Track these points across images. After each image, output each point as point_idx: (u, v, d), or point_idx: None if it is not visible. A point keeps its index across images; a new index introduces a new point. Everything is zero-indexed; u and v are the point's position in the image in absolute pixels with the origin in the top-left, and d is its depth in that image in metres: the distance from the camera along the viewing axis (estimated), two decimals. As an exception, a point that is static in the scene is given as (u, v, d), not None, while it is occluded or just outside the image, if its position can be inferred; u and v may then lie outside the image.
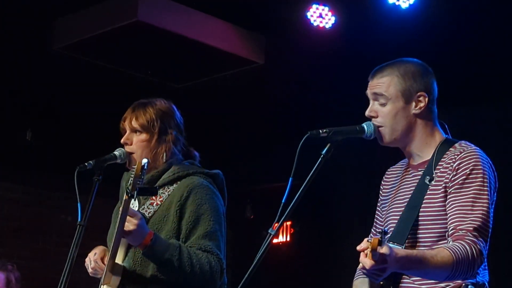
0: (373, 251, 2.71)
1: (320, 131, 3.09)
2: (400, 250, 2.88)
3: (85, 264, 3.78)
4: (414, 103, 3.23)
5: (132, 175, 3.47)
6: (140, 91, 6.90)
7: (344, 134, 3.14)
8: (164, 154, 3.81)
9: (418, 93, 3.23)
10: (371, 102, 3.29)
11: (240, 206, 8.78)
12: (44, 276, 7.80)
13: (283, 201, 2.98)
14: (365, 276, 3.40)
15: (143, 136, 3.80)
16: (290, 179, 3.00)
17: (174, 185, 3.78)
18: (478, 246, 3.00)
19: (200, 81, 7.26)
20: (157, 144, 3.81)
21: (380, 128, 3.25)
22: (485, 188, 3.09)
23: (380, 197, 3.48)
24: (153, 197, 3.77)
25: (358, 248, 2.81)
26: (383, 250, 2.74)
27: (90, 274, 3.80)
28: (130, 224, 3.50)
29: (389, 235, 2.92)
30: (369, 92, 3.30)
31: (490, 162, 3.19)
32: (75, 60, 6.72)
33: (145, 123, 3.79)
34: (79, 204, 3.53)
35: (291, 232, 8.79)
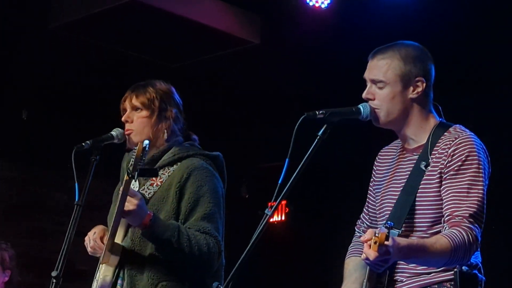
0: (380, 245, 2.74)
1: (317, 112, 3.10)
2: (402, 240, 2.90)
3: (85, 243, 3.81)
4: (411, 88, 3.24)
5: (133, 156, 3.49)
6: (136, 71, 6.95)
7: (340, 116, 3.15)
8: (165, 132, 3.83)
9: (417, 78, 3.23)
10: (368, 84, 3.29)
11: (235, 186, 8.81)
12: (40, 255, 7.83)
13: (279, 182, 2.99)
14: (357, 254, 3.45)
15: (144, 113, 3.82)
16: (287, 160, 3.01)
17: (174, 166, 3.80)
18: (474, 232, 3.03)
19: (195, 60, 7.26)
20: (157, 121, 3.83)
21: (376, 110, 3.26)
22: (480, 174, 3.12)
23: (373, 177, 3.49)
24: (153, 178, 3.79)
25: (362, 239, 2.85)
26: (387, 241, 2.77)
27: (89, 253, 3.82)
28: (130, 204, 3.52)
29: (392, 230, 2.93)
30: (367, 74, 3.30)
31: (484, 147, 3.21)
32: (72, 39, 6.71)
33: (145, 101, 3.82)
34: (76, 184, 3.54)
35: (286, 211, 8.82)
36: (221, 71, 7.33)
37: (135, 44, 6.95)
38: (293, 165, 3.03)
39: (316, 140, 3.08)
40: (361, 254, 3.36)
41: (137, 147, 3.49)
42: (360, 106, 3.22)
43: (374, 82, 3.27)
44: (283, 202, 8.70)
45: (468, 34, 6.13)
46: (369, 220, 3.50)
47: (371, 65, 3.30)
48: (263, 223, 2.98)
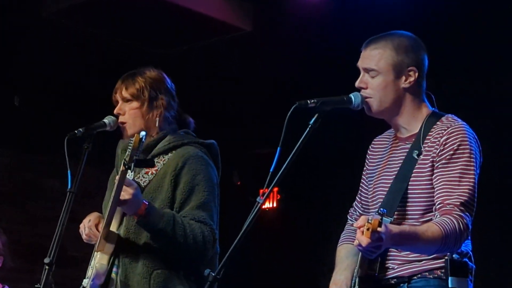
0: (374, 231, 2.76)
1: (308, 101, 3.12)
2: (394, 227, 2.93)
3: (79, 231, 3.83)
4: (404, 77, 3.27)
5: (130, 147, 3.50)
6: (128, 58, 6.95)
7: (332, 105, 3.18)
8: (157, 120, 3.84)
9: (409, 68, 3.27)
10: (361, 72, 3.32)
11: (227, 173, 8.82)
12: (33, 241, 7.84)
13: (271, 170, 3.02)
14: (349, 242, 3.48)
15: (134, 104, 3.84)
16: (278, 148, 3.03)
17: (169, 155, 3.81)
18: (465, 220, 3.07)
19: (187, 47, 7.25)
20: (148, 110, 3.84)
21: (368, 99, 3.29)
22: (471, 164, 3.15)
23: (366, 166, 3.53)
24: (148, 168, 3.80)
25: (355, 225, 2.88)
26: (380, 228, 2.79)
27: (84, 240, 3.85)
28: (126, 194, 3.53)
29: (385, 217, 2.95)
30: (360, 63, 3.33)
31: (476, 137, 3.25)
32: (65, 26, 6.69)
33: (135, 92, 3.83)
34: (69, 172, 3.56)
35: (278, 198, 8.84)
36: (213, 58, 7.32)
37: (127, 30, 6.92)
38: (285, 153, 3.05)
39: (308, 128, 3.10)
40: (354, 241, 3.41)
41: (133, 138, 3.50)
42: (351, 95, 3.24)
43: (366, 71, 3.30)
44: (275, 189, 8.72)
45: (461, 26, 6.15)
46: (362, 208, 3.53)
47: (364, 55, 3.33)
48: (255, 211, 3.00)
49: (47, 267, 3.39)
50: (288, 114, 3.07)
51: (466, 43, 6.23)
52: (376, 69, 3.27)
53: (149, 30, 6.92)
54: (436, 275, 3.16)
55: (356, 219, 3.55)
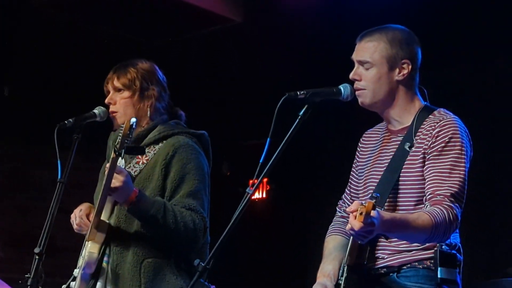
0: (367, 214, 2.78)
1: (298, 93, 3.15)
2: (386, 213, 2.96)
3: (71, 221, 3.84)
4: (397, 70, 3.32)
5: (120, 134, 3.51)
6: (119, 49, 6.94)
7: (321, 96, 3.21)
8: (148, 110, 3.86)
9: (403, 61, 3.31)
10: (356, 65, 3.36)
11: (217, 163, 8.82)
12: (22, 231, 7.83)
13: (260, 161, 3.03)
14: (337, 233, 3.50)
15: (125, 93, 3.85)
16: (268, 139, 3.06)
17: (160, 144, 3.82)
18: (455, 211, 3.11)
19: (177, 38, 7.25)
20: (139, 100, 3.86)
21: (362, 91, 3.33)
22: (462, 156, 3.19)
23: (357, 158, 3.56)
24: (139, 156, 3.82)
25: (348, 209, 2.91)
26: (372, 213, 2.82)
27: (75, 230, 3.86)
28: (116, 181, 3.54)
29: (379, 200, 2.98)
30: (354, 56, 3.38)
31: (467, 131, 3.29)
32: (55, 17, 6.68)
33: (126, 81, 3.85)
34: (59, 162, 3.57)
35: (267, 189, 8.85)
36: (203, 49, 7.32)
37: (117, 21, 6.92)
38: (275, 144, 3.07)
39: (297, 120, 3.13)
40: (342, 234, 3.45)
41: (124, 125, 3.52)
42: (340, 86, 3.27)
43: (361, 63, 3.34)
44: (265, 180, 8.73)
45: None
46: (351, 201, 3.56)
47: (358, 47, 3.38)
48: (244, 202, 3.02)
49: (37, 257, 3.40)
50: (278, 105, 3.09)
51: (453, 37, 6.25)
52: (371, 61, 3.31)
53: (140, 21, 6.91)
54: (425, 265, 3.19)
55: (345, 211, 3.58)
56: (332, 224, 3.63)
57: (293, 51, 7.02)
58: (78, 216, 3.81)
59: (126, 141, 3.52)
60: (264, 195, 8.89)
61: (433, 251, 3.17)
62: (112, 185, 3.55)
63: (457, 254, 3.21)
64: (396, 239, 3.21)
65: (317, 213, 8.19)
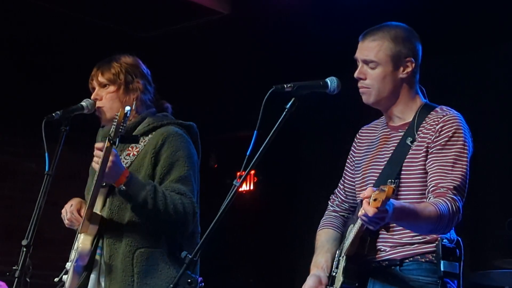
0: (387, 198, 2.78)
1: (285, 86, 3.16)
2: (396, 201, 2.97)
3: (61, 216, 3.85)
4: (402, 68, 3.35)
5: (115, 123, 3.53)
6: (105, 40, 6.93)
7: (308, 89, 3.21)
8: (134, 103, 3.87)
9: (406, 58, 3.35)
10: (360, 64, 3.39)
11: (204, 155, 8.82)
12: (9, 223, 7.82)
13: (247, 153, 3.05)
14: (329, 227, 3.55)
15: (111, 88, 3.88)
16: (255, 132, 3.07)
17: (149, 136, 3.85)
18: (457, 203, 3.16)
19: (164, 30, 7.25)
20: (124, 94, 3.88)
21: (367, 89, 3.37)
22: (465, 151, 3.25)
23: (352, 153, 3.60)
24: (130, 148, 3.83)
25: (362, 195, 2.91)
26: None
27: (66, 225, 3.87)
28: (102, 157, 3.57)
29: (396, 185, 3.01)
30: (358, 55, 3.40)
31: (468, 128, 3.33)
32: (41, 8, 6.67)
33: (111, 76, 3.88)
34: (46, 154, 3.57)
35: (255, 180, 8.87)
36: (190, 41, 7.32)
37: (104, 13, 6.91)
38: (262, 137, 3.08)
39: (284, 112, 3.14)
40: (334, 227, 3.54)
41: (118, 113, 3.53)
42: (327, 79, 3.28)
43: (366, 62, 3.37)
44: (252, 172, 8.75)
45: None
46: (344, 195, 3.62)
47: (362, 46, 3.40)
48: (232, 194, 3.03)
49: (24, 249, 3.41)
50: (265, 98, 3.10)
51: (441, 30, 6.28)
52: (376, 60, 3.34)
53: (126, 13, 6.90)
54: (428, 259, 3.24)
55: (337, 205, 3.66)
56: (324, 218, 3.67)
57: (280, 43, 7.03)
58: (69, 211, 3.82)
59: (120, 129, 3.53)
60: (251, 187, 8.91)
61: (434, 244, 3.22)
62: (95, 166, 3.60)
63: (457, 249, 3.25)
64: (397, 231, 3.25)
65: (304, 205, 8.22)
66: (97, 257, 3.73)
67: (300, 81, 3.19)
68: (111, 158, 3.57)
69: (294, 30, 6.78)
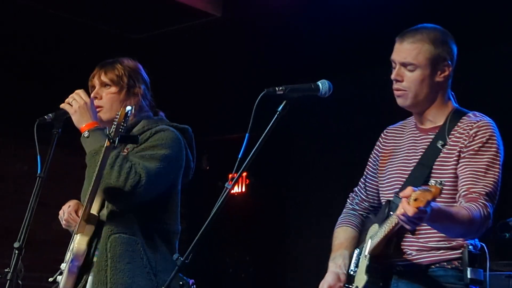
0: (434, 199, 2.78)
1: (277, 89, 3.16)
2: (433, 203, 2.92)
3: (59, 217, 3.86)
4: (439, 72, 3.34)
5: (115, 122, 3.52)
6: (97, 42, 6.94)
7: (300, 92, 3.21)
8: (133, 107, 3.87)
9: (444, 62, 3.34)
10: (397, 66, 3.37)
11: (196, 157, 8.82)
12: (1, 225, 7.80)
13: (239, 156, 3.05)
14: (348, 225, 3.58)
15: (113, 89, 3.87)
16: (247, 135, 3.08)
17: (142, 135, 3.84)
18: (488, 209, 3.15)
19: (157, 33, 7.26)
20: (126, 97, 3.88)
21: (403, 92, 3.36)
22: (497, 158, 3.25)
23: (377, 152, 3.60)
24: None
25: (401, 194, 2.90)
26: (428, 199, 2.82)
27: (63, 226, 3.88)
28: (80, 99, 3.67)
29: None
30: (396, 57, 3.37)
31: (500, 135, 3.33)
32: (36, 11, 6.67)
33: (114, 77, 3.87)
34: (38, 157, 3.57)
35: (247, 183, 8.88)
36: (182, 43, 7.33)
37: (97, 15, 6.92)
38: (254, 139, 3.09)
39: (276, 115, 3.15)
40: (352, 226, 3.55)
41: (119, 112, 3.53)
42: (318, 82, 3.27)
43: (404, 64, 3.34)
44: (244, 174, 8.74)
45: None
46: (365, 194, 3.62)
47: (400, 48, 3.37)
48: (223, 197, 3.04)
49: (16, 252, 3.40)
50: (257, 101, 3.11)
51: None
52: (415, 63, 3.32)
53: (120, 15, 6.91)
54: (454, 266, 3.24)
55: (357, 204, 3.66)
56: (342, 215, 3.68)
57: (272, 46, 7.05)
58: (67, 212, 3.83)
59: (120, 129, 3.53)
60: (243, 189, 8.91)
61: (460, 251, 3.23)
62: (71, 103, 3.67)
63: (482, 255, 3.26)
64: (423, 234, 3.24)
65: (295, 207, 8.23)
66: (95, 258, 3.73)
67: (291, 84, 3.20)
68: (88, 100, 3.67)
69: (285, 32, 6.79)
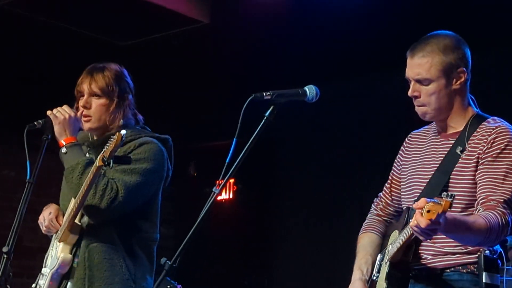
0: (443, 212, 2.77)
1: (264, 94, 3.17)
2: (448, 213, 2.91)
3: (39, 222, 3.86)
4: (455, 79, 3.31)
5: (109, 144, 3.50)
6: (86, 48, 6.94)
7: (287, 97, 3.22)
8: (121, 119, 3.88)
9: (458, 69, 3.31)
10: (412, 82, 3.34)
11: (184, 164, 8.84)
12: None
13: (227, 160, 3.07)
14: (372, 231, 3.58)
15: (103, 100, 3.85)
16: (234, 139, 3.09)
17: (126, 146, 3.84)
18: (507, 217, 3.14)
19: (144, 39, 7.27)
20: (116, 109, 3.87)
21: (423, 107, 3.34)
22: None
23: (400, 157, 3.58)
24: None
25: (415, 206, 2.89)
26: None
27: (43, 232, 3.88)
28: (66, 113, 3.71)
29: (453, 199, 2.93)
30: (409, 74, 3.34)
31: None
32: (20, 16, 6.67)
33: (104, 87, 3.85)
34: (28, 162, 3.58)
35: (234, 189, 8.88)
36: (170, 50, 7.34)
37: (83, 21, 6.92)
38: (242, 145, 3.11)
39: (263, 120, 3.16)
40: (376, 232, 3.55)
41: (115, 136, 3.50)
42: (306, 88, 3.28)
43: (418, 81, 3.32)
44: (231, 180, 8.75)
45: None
46: (390, 198, 3.61)
47: (412, 64, 3.35)
48: (211, 201, 3.05)
49: (5, 256, 3.41)
50: (244, 106, 3.11)
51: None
52: (428, 78, 3.29)
53: (106, 21, 6.91)
54: (469, 270, 3.22)
55: (381, 209, 3.65)
56: (366, 221, 3.66)
57: (259, 52, 7.07)
58: (48, 219, 3.83)
59: (115, 152, 3.52)
60: (231, 196, 8.92)
61: (476, 255, 3.21)
62: (57, 114, 3.71)
63: (499, 260, 3.24)
64: (439, 240, 3.22)
65: (283, 213, 8.25)
66: (74, 265, 3.74)
67: (279, 89, 3.21)
68: (72, 115, 3.72)
69: (273, 39, 6.82)
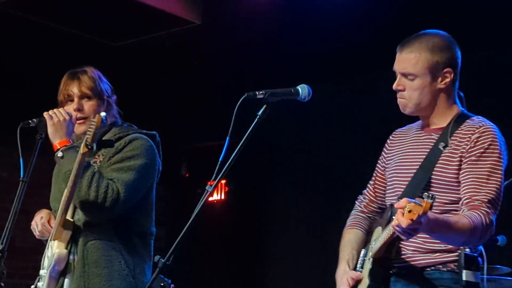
0: (424, 213, 2.80)
1: (257, 93, 3.20)
2: (430, 213, 2.93)
3: (31, 228, 3.89)
4: (440, 78, 3.35)
5: (91, 128, 3.54)
6: (77, 49, 6.94)
7: (279, 96, 3.24)
8: (110, 117, 3.91)
9: (445, 70, 3.34)
10: (398, 76, 3.39)
11: (176, 164, 8.84)
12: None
13: (220, 159, 3.08)
14: (356, 227, 3.60)
15: (94, 101, 3.91)
16: (227, 138, 3.11)
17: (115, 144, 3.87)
18: (491, 217, 3.16)
19: (136, 40, 7.27)
20: (107, 109, 3.92)
21: (405, 101, 3.38)
22: (500, 164, 3.25)
23: (384, 154, 3.62)
24: (97, 156, 3.84)
25: (396, 205, 2.91)
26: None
27: (37, 237, 3.90)
28: (60, 116, 3.71)
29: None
30: (396, 67, 3.40)
31: (504, 141, 3.34)
32: (11, 16, 6.67)
33: (94, 88, 3.90)
34: (21, 160, 3.59)
35: (226, 190, 8.89)
36: (162, 50, 7.35)
37: (75, 22, 6.92)
38: (234, 144, 3.12)
39: (256, 119, 3.18)
40: (360, 228, 3.57)
41: (95, 119, 3.55)
42: (298, 87, 3.31)
43: (404, 75, 3.37)
44: (223, 181, 8.76)
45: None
46: (374, 195, 3.64)
47: (399, 58, 3.39)
48: (204, 199, 3.07)
49: (-1, 254, 3.42)
50: (237, 105, 3.13)
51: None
52: (414, 73, 3.34)
53: (98, 22, 6.91)
54: (449, 268, 3.24)
55: (365, 206, 3.68)
56: (350, 217, 3.69)
57: (251, 53, 7.08)
58: (40, 224, 3.87)
59: (97, 134, 3.55)
60: (222, 197, 8.93)
61: (457, 254, 3.23)
62: (53, 116, 3.71)
63: (479, 258, 3.25)
64: (420, 236, 3.22)
65: (275, 214, 8.26)
66: (70, 261, 3.75)
67: (271, 89, 3.23)
68: (67, 118, 3.72)
69: (265, 40, 6.82)
